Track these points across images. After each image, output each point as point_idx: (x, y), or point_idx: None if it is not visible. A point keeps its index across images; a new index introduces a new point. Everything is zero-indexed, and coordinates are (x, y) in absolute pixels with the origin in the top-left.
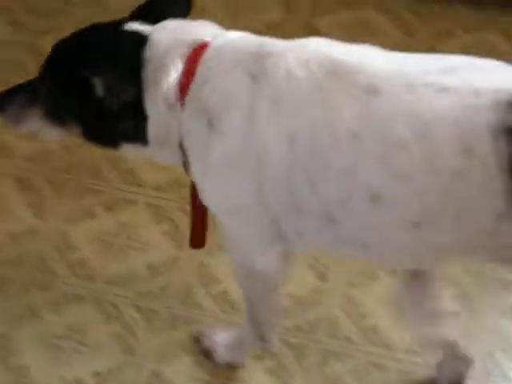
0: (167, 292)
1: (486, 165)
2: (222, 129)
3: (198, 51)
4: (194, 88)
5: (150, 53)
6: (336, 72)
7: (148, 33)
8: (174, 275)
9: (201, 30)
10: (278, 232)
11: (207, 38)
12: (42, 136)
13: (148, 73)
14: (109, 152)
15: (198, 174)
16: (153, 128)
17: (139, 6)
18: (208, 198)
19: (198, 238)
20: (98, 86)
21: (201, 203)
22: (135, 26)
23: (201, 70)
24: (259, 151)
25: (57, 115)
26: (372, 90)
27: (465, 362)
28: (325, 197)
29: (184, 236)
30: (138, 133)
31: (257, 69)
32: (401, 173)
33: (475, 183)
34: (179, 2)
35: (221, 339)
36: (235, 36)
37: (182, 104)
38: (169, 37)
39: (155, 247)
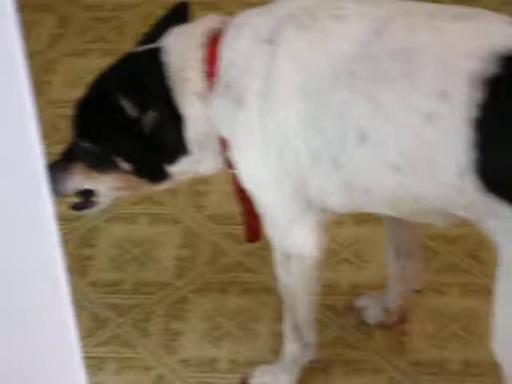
0: None
1: (456, 112)
2: (244, 100)
3: (214, 38)
4: (220, 73)
5: (168, 57)
6: (341, 16)
7: (159, 44)
8: None
9: (209, 20)
10: (305, 200)
11: (218, 25)
12: (99, 201)
13: (173, 75)
14: None
15: (234, 157)
16: (192, 129)
17: (138, 40)
18: (242, 178)
19: (252, 232)
20: (127, 107)
21: (246, 196)
22: (144, 46)
23: (221, 53)
24: (277, 111)
25: (102, 160)
26: (375, 32)
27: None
28: (330, 142)
29: None
30: (179, 143)
31: (272, 33)
32: (384, 110)
33: (443, 130)
34: (177, 15)
35: (268, 371)
36: (245, 14)
37: (212, 92)
38: (181, 36)
39: None
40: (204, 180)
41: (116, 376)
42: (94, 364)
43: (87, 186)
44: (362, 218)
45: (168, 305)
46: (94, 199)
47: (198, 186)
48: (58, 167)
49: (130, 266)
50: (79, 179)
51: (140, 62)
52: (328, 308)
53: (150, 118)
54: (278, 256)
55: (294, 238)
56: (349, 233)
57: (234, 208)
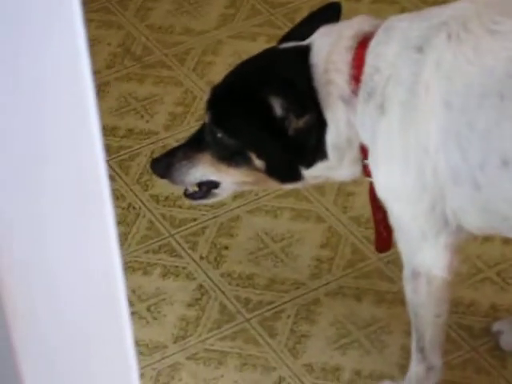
0: None
1: None
2: (387, 108)
3: (363, 42)
4: (365, 78)
5: (315, 58)
6: (497, 31)
7: (307, 42)
8: None
9: (360, 23)
10: (441, 217)
11: (368, 29)
12: (217, 193)
13: (319, 77)
14: None
15: (371, 164)
16: (334, 134)
17: (285, 35)
18: (377, 187)
19: (382, 242)
20: (277, 106)
21: (380, 205)
22: (291, 44)
23: (369, 58)
24: (419, 122)
25: (234, 154)
26: None
27: None
28: (470, 161)
29: None
30: (319, 147)
31: (423, 41)
32: None
33: None
34: (326, 14)
35: None
36: (397, 19)
37: (356, 97)
38: (330, 37)
39: None
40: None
41: (236, 372)
42: (216, 357)
43: (213, 178)
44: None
45: (299, 305)
46: (213, 191)
47: (347, 186)
48: (184, 154)
49: (267, 261)
50: (206, 171)
51: (289, 59)
52: (464, 328)
53: (299, 120)
54: (406, 272)
55: (425, 256)
56: (496, 251)
57: None
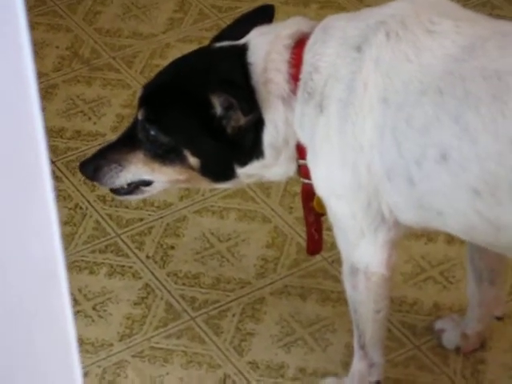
0: None
1: None
2: (326, 107)
3: (301, 41)
4: (304, 77)
5: (253, 57)
6: (435, 31)
7: (244, 41)
8: None
9: (297, 23)
10: (377, 213)
11: (305, 29)
12: (147, 190)
13: (257, 76)
14: None
15: (309, 163)
16: (272, 133)
17: (219, 33)
18: (316, 184)
19: (313, 244)
20: (217, 104)
21: (312, 208)
22: (226, 43)
23: (307, 57)
24: (355, 119)
25: (168, 152)
26: (469, 50)
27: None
28: (406, 156)
29: None
30: (255, 146)
31: (361, 40)
32: (469, 132)
33: None
34: (259, 15)
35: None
36: (334, 18)
37: (295, 96)
38: (268, 36)
39: None
40: (299, 181)
41: (182, 370)
42: (161, 355)
43: (145, 177)
44: (455, 237)
45: (245, 304)
46: (142, 188)
47: (293, 187)
48: (114, 155)
49: (213, 261)
50: (138, 171)
51: (226, 58)
52: (407, 327)
53: (240, 119)
54: (345, 268)
55: (363, 252)
56: (439, 251)
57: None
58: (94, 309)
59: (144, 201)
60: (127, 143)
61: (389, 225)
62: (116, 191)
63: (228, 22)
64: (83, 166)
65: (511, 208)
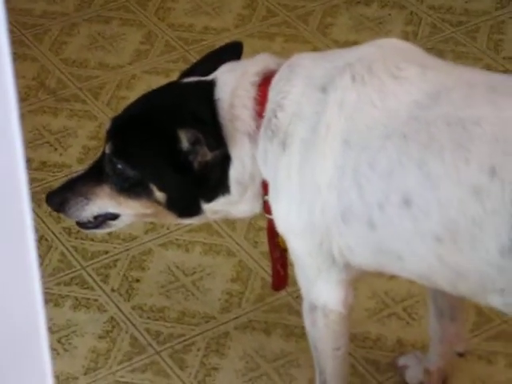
0: None
1: (506, 192)
2: (288, 145)
3: (267, 78)
4: (268, 115)
5: (221, 93)
6: (401, 76)
7: (212, 77)
8: None
9: (264, 60)
10: (328, 254)
11: (272, 66)
12: (113, 224)
13: (224, 112)
14: None
15: (271, 200)
16: (238, 169)
17: (188, 68)
18: (277, 222)
19: (279, 280)
20: (184, 139)
21: (277, 243)
22: (194, 79)
23: (272, 95)
24: (316, 160)
25: (135, 186)
26: (434, 97)
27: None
28: (368, 200)
29: None
30: (221, 182)
31: (327, 81)
32: (432, 178)
33: (490, 208)
34: (228, 52)
35: None
36: (301, 57)
37: (259, 132)
38: (235, 73)
39: None
40: (264, 216)
41: None
42: None
43: (111, 210)
44: None
45: (209, 338)
46: (109, 222)
47: (258, 221)
48: (81, 188)
49: (178, 294)
50: (104, 205)
51: (193, 93)
52: (371, 363)
53: (207, 154)
54: (305, 305)
55: (320, 290)
56: (402, 287)
57: None
58: (59, 342)
59: (110, 233)
60: (94, 176)
61: (340, 266)
62: (82, 225)
63: (194, 55)
64: (50, 198)
65: (472, 255)
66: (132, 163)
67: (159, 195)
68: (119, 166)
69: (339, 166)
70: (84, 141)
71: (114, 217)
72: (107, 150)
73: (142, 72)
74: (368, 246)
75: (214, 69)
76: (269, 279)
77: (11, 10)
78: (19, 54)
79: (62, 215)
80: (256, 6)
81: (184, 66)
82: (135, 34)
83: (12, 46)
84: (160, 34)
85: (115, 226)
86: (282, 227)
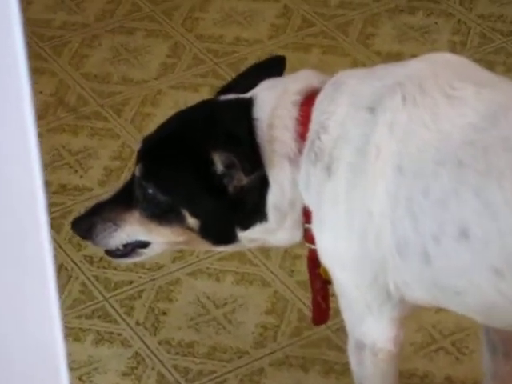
0: None
1: None
2: (334, 170)
3: (310, 97)
4: (311, 136)
5: (259, 112)
6: (455, 96)
7: (250, 95)
8: None
9: (307, 77)
10: (383, 289)
11: (315, 84)
12: (144, 252)
13: (262, 133)
14: None
15: (314, 229)
16: (276, 195)
17: (224, 86)
18: (321, 253)
19: (319, 313)
20: (218, 162)
21: (319, 274)
22: (232, 96)
23: (315, 115)
24: (366, 186)
25: (166, 211)
26: (490, 119)
27: None
28: (422, 231)
29: None
30: (258, 208)
31: (375, 101)
32: (491, 207)
33: None
34: (270, 67)
35: None
36: (346, 74)
37: (301, 156)
38: (275, 90)
39: None
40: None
41: None
42: None
43: (141, 238)
44: None
45: (242, 375)
46: (139, 250)
47: (294, 249)
48: (109, 213)
49: (208, 328)
50: (134, 232)
51: (230, 113)
52: None
53: (243, 178)
54: (350, 343)
55: (369, 328)
56: (451, 320)
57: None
58: (79, 379)
59: (134, 262)
60: (123, 201)
61: (394, 302)
62: (111, 253)
63: (224, 68)
64: (76, 224)
65: None
66: (163, 187)
67: (192, 221)
68: (149, 191)
69: (391, 194)
70: (106, 161)
71: (145, 245)
72: (137, 173)
73: (169, 87)
74: (424, 280)
75: (254, 85)
76: (306, 311)
77: (28, 21)
78: (37, 68)
79: (88, 243)
80: (291, 15)
81: (213, 81)
82: (161, 46)
83: (29, 59)
84: (188, 46)
85: (145, 254)
86: (327, 259)
